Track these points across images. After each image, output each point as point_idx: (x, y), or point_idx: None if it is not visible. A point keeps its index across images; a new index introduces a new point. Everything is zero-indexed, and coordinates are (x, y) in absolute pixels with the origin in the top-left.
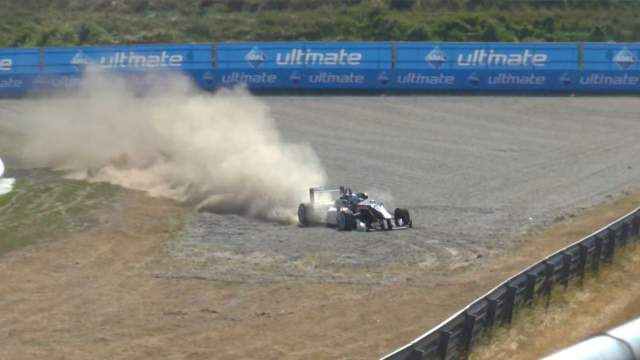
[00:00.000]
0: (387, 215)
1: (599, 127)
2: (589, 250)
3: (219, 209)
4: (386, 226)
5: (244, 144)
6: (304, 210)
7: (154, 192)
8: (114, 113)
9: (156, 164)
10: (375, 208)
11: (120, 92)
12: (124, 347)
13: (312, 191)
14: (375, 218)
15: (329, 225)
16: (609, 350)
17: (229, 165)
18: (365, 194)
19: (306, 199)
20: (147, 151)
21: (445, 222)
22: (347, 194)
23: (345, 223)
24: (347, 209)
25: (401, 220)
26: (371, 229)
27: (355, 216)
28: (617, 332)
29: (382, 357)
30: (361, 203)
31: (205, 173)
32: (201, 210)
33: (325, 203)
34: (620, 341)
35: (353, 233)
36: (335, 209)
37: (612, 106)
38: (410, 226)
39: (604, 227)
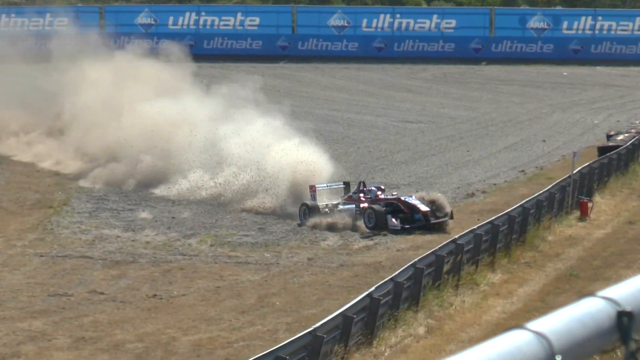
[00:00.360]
0: (423, 208)
1: (512, 97)
2: (501, 229)
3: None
4: (424, 220)
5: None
6: (307, 210)
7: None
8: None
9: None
10: (407, 200)
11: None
12: (5, 331)
13: (313, 188)
14: (408, 212)
15: (332, 228)
16: (526, 344)
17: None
18: (382, 186)
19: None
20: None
21: None
22: (362, 188)
23: (376, 220)
24: (376, 205)
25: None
26: (406, 226)
27: (386, 211)
28: (535, 324)
29: (282, 342)
30: (383, 196)
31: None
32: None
33: (330, 202)
34: (539, 335)
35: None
36: (351, 206)
37: (525, 75)
38: (452, 217)
39: (517, 205)
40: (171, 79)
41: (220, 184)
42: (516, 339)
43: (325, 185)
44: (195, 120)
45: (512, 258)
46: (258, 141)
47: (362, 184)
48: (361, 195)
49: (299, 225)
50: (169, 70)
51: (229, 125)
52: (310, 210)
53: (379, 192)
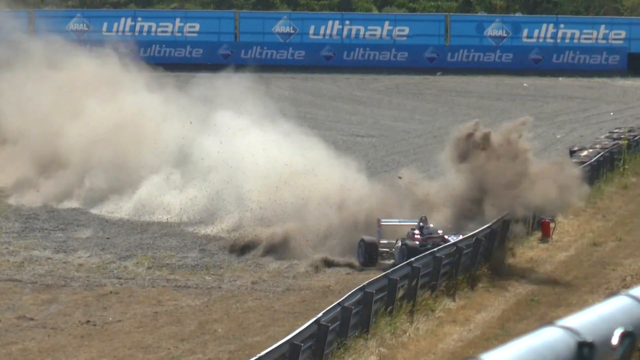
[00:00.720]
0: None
1: (469, 110)
2: (464, 252)
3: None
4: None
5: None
6: (365, 247)
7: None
8: None
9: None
10: (449, 238)
11: None
12: None
13: (379, 222)
14: None
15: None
16: (557, 340)
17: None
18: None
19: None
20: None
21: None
22: (422, 224)
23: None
24: (412, 241)
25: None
26: None
27: (421, 250)
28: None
29: None
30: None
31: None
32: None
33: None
34: (569, 330)
35: (189, 228)
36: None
37: (483, 86)
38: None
39: (483, 227)
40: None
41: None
42: (547, 335)
43: (396, 220)
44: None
45: (472, 282)
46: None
47: (423, 219)
48: (416, 232)
49: (360, 266)
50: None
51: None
52: (368, 247)
53: (439, 231)
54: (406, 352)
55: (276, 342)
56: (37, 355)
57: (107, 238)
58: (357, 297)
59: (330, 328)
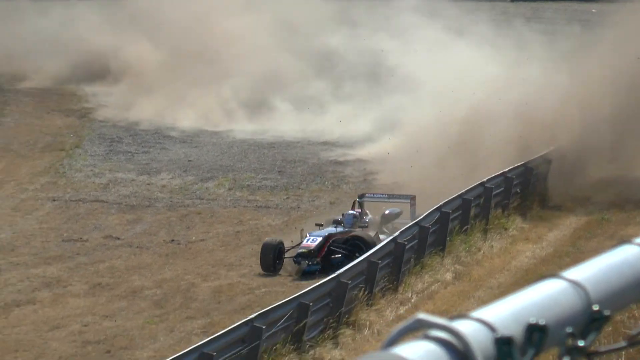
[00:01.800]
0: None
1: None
2: (534, 172)
3: None
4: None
5: None
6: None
7: None
8: None
9: None
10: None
11: None
12: (19, 278)
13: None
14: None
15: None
16: (562, 293)
17: None
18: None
19: None
20: None
21: (364, 140)
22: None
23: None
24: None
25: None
26: None
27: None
28: (570, 273)
29: (304, 288)
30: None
31: None
32: None
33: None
34: (575, 284)
35: (269, 150)
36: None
37: (551, 12)
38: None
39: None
40: None
41: None
42: (551, 288)
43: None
44: None
45: (543, 201)
46: None
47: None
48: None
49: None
50: None
51: None
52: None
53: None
54: (480, 269)
55: (354, 261)
56: (124, 272)
57: (189, 160)
58: (435, 217)
59: (408, 246)
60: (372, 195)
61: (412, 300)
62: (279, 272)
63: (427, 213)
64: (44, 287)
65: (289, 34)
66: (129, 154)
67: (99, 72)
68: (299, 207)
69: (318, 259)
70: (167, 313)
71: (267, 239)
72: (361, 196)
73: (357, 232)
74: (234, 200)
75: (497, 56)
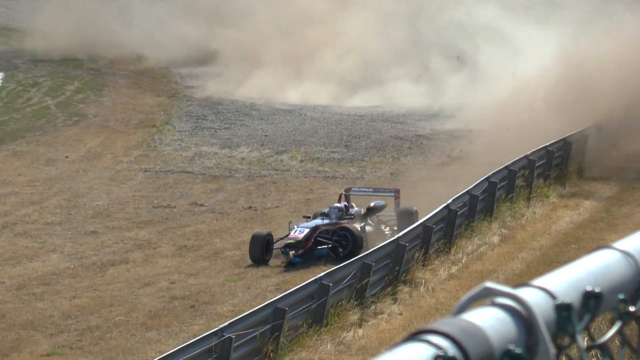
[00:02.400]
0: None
1: None
2: (573, 146)
3: None
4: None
5: None
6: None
7: None
8: None
9: None
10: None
11: None
12: (114, 240)
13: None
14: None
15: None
16: (614, 263)
17: None
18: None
19: None
20: None
21: (426, 118)
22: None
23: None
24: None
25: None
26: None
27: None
28: (621, 244)
29: (369, 250)
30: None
31: None
32: None
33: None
34: (626, 254)
35: (337, 126)
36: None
37: None
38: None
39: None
40: None
41: None
42: (605, 258)
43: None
44: None
45: (581, 172)
46: None
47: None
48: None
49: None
50: None
51: None
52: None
53: (341, 212)
54: (524, 232)
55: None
56: (207, 235)
57: (266, 135)
58: (484, 186)
59: (459, 213)
60: (357, 189)
61: (463, 261)
62: (268, 264)
63: (476, 183)
64: (136, 248)
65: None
66: (213, 130)
67: (201, 54)
68: (362, 178)
69: (301, 251)
70: (245, 272)
71: (256, 230)
72: (347, 190)
73: (344, 224)
74: (305, 171)
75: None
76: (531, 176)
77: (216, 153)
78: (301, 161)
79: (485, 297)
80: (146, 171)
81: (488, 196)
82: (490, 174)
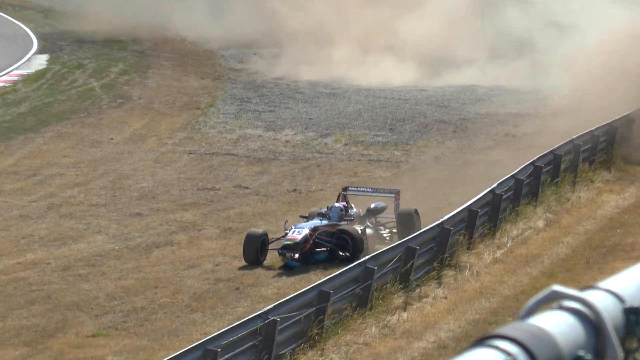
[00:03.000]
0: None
1: None
2: (618, 130)
3: None
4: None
5: None
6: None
7: None
8: None
9: None
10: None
11: None
12: (159, 222)
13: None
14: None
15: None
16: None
17: None
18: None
19: None
20: None
21: (471, 101)
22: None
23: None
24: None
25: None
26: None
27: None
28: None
29: (414, 233)
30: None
31: None
32: None
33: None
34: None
35: (381, 109)
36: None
37: None
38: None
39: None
40: None
41: None
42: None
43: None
44: None
45: (626, 157)
46: None
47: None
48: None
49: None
50: None
51: None
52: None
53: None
54: (569, 217)
55: (456, 208)
56: (251, 217)
57: (310, 119)
58: (529, 170)
59: (504, 197)
60: (355, 188)
61: (508, 245)
62: (262, 265)
63: (522, 167)
64: (180, 230)
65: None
66: (257, 113)
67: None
68: (407, 161)
69: (296, 256)
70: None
71: (251, 229)
72: (345, 189)
73: (344, 226)
74: (349, 154)
75: None
76: (576, 160)
77: (260, 136)
78: (345, 144)
79: (552, 300)
80: (191, 153)
81: (533, 180)
82: (535, 158)
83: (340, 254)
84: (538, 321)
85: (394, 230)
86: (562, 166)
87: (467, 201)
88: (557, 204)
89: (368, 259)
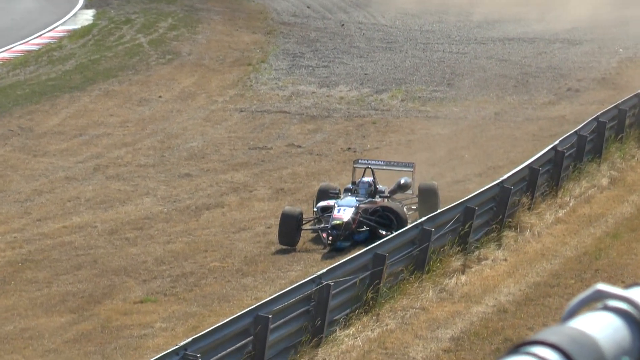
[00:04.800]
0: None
1: None
2: None
3: None
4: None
5: None
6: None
7: None
8: None
9: None
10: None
11: None
12: (209, 183)
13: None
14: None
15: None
16: None
17: None
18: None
19: None
20: None
21: (532, 55)
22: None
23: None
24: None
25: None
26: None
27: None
28: None
29: (471, 193)
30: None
31: None
32: None
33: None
34: None
35: (439, 64)
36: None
37: None
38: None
39: None
40: None
41: None
42: None
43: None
44: None
45: None
46: None
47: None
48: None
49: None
50: None
51: None
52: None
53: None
54: (634, 174)
55: (517, 167)
56: (304, 178)
57: (365, 74)
58: (592, 126)
59: (567, 154)
60: (366, 161)
61: (570, 204)
62: (296, 247)
63: (585, 122)
64: (231, 191)
65: None
66: (310, 68)
67: None
68: (466, 117)
69: (346, 233)
70: None
71: (285, 207)
72: (355, 161)
73: (386, 202)
74: (406, 111)
75: None
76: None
77: (314, 92)
78: (402, 100)
79: (596, 300)
80: (242, 111)
81: (597, 137)
82: (599, 113)
83: (383, 233)
84: (580, 324)
85: (413, 207)
86: (627, 121)
87: (528, 159)
88: (621, 161)
89: (425, 220)
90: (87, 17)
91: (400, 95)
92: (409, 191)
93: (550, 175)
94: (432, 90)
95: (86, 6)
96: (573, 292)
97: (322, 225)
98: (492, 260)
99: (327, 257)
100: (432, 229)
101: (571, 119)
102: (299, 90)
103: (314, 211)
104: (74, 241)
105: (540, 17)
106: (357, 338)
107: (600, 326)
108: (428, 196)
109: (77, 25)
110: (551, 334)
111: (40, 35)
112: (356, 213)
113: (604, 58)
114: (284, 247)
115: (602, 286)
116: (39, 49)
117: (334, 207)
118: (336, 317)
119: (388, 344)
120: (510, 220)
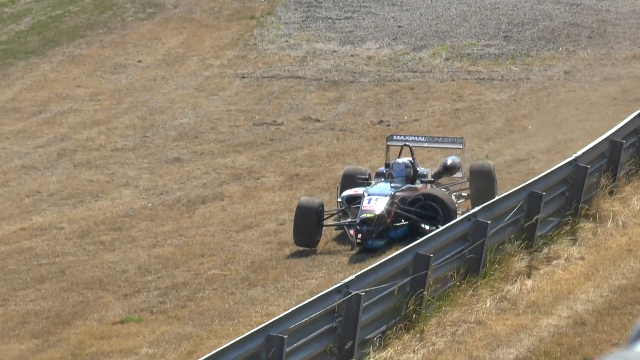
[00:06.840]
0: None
1: None
2: None
3: None
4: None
5: None
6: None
7: None
8: None
9: None
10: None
11: None
12: (205, 170)
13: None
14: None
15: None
16: None
17: None
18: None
19: None
20: None
21: None
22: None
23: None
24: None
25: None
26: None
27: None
28: None
29: (537, 174)
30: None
31: None
32: None
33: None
34: None
35: (492, 11)
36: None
37: None
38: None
39: None
40: None
41: None
42: None
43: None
44: None
45: None
46: None
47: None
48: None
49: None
50: None
51: None
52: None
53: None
54: None
55: (594, 140)
56: (325, 160)
57: (399, 26)
58: None
59: None
60: (402, 137)
61: None
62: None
63: None
64: (232, 179)
65: None
66: (330, 21)
67: None
68: (528, 78)
69: (379, 229)
70: None
71: (302, 199)
72: (389, 138)
73: (429, 189)
74: (451, 72)
75: None
76: None
77: (335, 51)
78: (446, 59)
79: None
80: (244, 77)
81: None
82: None
83: (426, 227)
84: None
85: (464, 194)
86: None
87: (608, 129)
88: None
89: (479, 210)
90: None
91: (445, 52)
92: (458, 174)
93: (636, 149)
94: (485, 45)
95: None
96: None
97: (349, 220)
98: (566, 260)
99: (355, 260)
100: (489, 222)
101: None
102: (315, 49)
103: (337, 202)
104: (35, 247)
105: None
106: None
107: None
108: (482, 180)
109: None
110: (617, 359)
111: None
112: (391, 204)
113: None
114: (301, 248)
115: None
116: None
117: (364, 196)
118: (369, 336)
119: None
120: (587, 207)
